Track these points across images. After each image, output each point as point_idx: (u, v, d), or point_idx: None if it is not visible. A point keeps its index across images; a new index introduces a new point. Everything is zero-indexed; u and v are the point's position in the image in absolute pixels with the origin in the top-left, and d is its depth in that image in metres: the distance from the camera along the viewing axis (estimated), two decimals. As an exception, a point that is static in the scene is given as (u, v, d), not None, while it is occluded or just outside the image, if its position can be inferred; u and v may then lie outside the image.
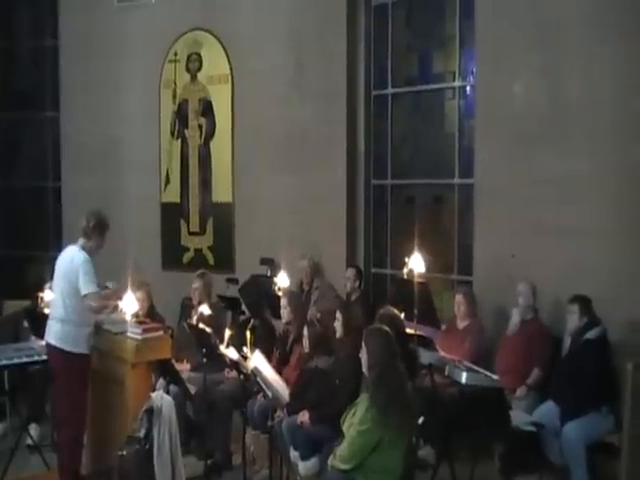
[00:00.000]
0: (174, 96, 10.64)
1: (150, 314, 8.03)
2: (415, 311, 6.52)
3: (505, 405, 6.20)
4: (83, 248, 6.51)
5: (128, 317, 6.66)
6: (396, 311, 6.54)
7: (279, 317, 7.90)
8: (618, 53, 7.04)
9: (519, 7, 7.77)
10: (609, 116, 7.14)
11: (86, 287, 6.33)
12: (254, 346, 6.85)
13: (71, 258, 6.49)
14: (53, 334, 6.50)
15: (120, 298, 6.60)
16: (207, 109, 10.46)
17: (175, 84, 10.62)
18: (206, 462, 6.99)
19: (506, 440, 6.14)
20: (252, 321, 7.88)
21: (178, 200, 10.70)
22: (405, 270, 6.65)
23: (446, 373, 6.16)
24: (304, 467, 6.50)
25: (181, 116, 10.63)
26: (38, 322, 7.30)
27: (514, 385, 6.87)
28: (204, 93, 10.47)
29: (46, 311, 7.16)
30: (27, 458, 7.45)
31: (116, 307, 6.71)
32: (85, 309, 6.43)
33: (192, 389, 7.21)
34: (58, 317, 6.48)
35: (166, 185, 10.77)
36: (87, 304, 6.40)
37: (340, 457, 5.19)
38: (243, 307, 8.42)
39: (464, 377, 5.95)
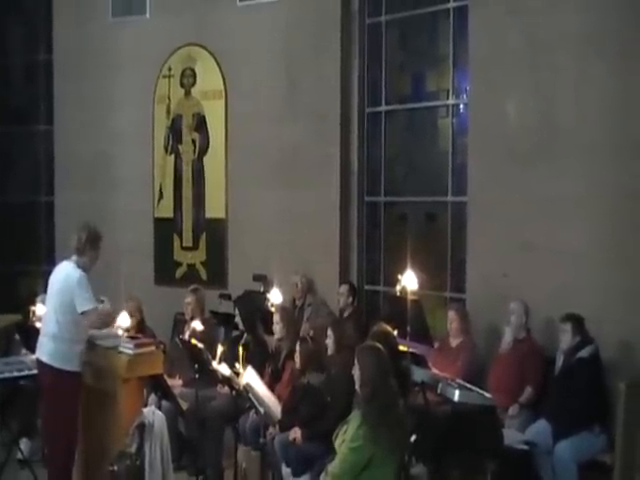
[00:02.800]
0: (168, 111, 10.64)
1: (141, 329, 8.01)
2: (408, 328, 6.52)
3: (498, 423, 6.19)
4: (77, 264, 6.42)
5: (120, 332, 6.66)
6: (389, 328, 6.54)
7: (272, 333, 7.88)
8: (612, 71, 7.06)
9: (512, 25, 7.77)
10: (602, 135, 7.14)
11: (83, 304, 6.24)
12: (246, 362, 6.86)
13: (65, 275, 6.41)
14: (45, 351, 6.40)
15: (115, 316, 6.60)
16: (201, 124, 10.46)
17: (169, 99, 10.62)
18: (197, 478, 6.99)
19: (498, 459, 6.10)
20: (245, 337, 7.89)
21: (171, 215, 10.68)
22: (398, 287, 6.66)
23: (438, 391, 6.10)
24: (296, 484, 6.48)
25: (175, 131, 10.63)
26: (30, 336, 7.28)
27: (506, 403, 6.84)
28: (198, 108, 10.47)
29: (38, 325, 7.13)
30: (17, 473, 7.41)
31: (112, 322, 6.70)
32: (78, 326, 6.35)
33: (184, 405, 7.20)
34: (50, 334, 6.37)
35: (159, 200, 10.75)
36: (86, 321, 6.33)
37: (332, 474, 5.16)
38: (237, 320, 8.37)
39: (456, 395, 5.91)
